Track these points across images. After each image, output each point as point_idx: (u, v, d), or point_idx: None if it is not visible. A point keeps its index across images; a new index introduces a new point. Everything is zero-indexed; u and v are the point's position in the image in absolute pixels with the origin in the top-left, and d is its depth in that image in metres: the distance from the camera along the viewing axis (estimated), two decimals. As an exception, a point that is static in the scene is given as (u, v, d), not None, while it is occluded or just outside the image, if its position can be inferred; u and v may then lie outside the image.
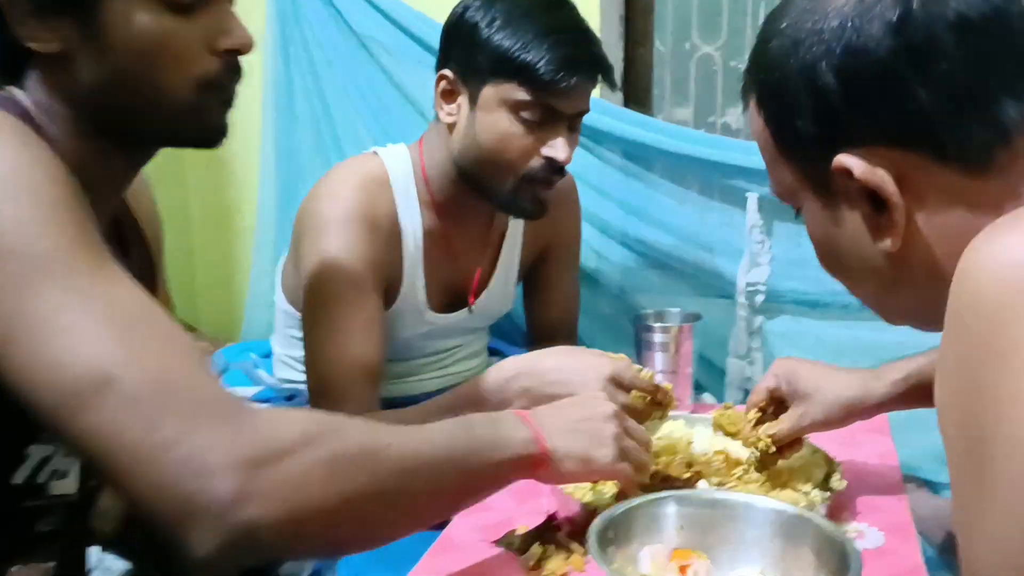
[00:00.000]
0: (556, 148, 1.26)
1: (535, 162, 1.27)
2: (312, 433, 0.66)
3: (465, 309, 1.44)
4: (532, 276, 1.57)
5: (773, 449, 1.03)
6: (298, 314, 1.34)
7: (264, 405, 1.44)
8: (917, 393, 1.02)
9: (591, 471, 0.92)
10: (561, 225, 1.53)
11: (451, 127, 1.30)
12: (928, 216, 0.61)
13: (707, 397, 1.63)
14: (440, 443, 0.76)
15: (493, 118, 1.26)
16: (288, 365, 1.49)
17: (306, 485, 0.63)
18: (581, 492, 1.01)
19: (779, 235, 1.72)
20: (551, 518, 0.98)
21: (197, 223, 2.33)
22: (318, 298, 1.27)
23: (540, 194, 1.30)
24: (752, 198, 1.71)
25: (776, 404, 1.08)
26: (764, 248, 1.71)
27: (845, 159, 0.62)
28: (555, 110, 1.25)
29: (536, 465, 0.86)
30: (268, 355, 1.61)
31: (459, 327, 1.46)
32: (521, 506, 1.06)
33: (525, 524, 0.99)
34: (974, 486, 0.53)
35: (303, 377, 1.31)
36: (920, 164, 0.60)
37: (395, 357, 1.40)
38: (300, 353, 1.33)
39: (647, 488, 1.01)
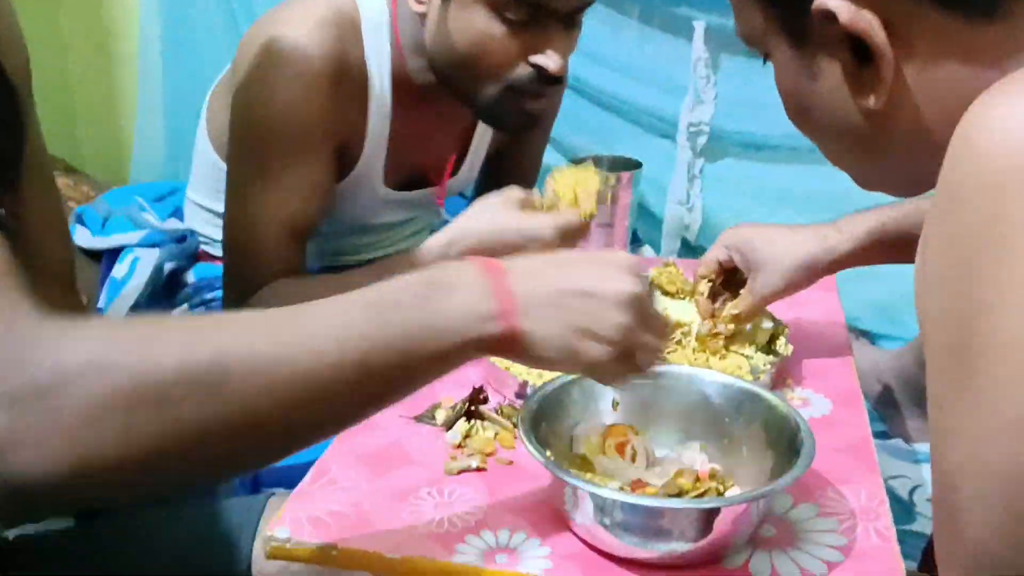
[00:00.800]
0: (546, 56, 1.03)
1: (521, 70, 1.04)
2: (106, 357, 0.52)
3: (423, 190, 1.26)
4: (498, 152, 1.37)
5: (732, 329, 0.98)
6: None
7: (151, 250, 1.31)
8: (880, 248, 0.97)
9: (574, 367, 0.67)
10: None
11: (423, 16, 1.08)
12: (919, 70, 0.54)
13: (647, 251, 1.56)
14: (341, 345, 0.56)
15: (469, 16, 1.02)
16: (212, 223, 1.30)
17: (93, 425, 0.51)
18: (516, 368, 0.91)
19: (727, 70, 1.66)
20: (478, 391, 0.88)
21: (74, 48, 2.15)
22: (254, 145, 1.07)
23: (528, 106, 1.08)
24: (699, 27, 1.62)
25: (726, 274, 1.02)
26: (709, 84, 1.62)
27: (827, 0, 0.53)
28: (547, 7, 1.01)
29: (497, 348, 0.62)
30: (159, 199, 1.46)
31: (414, 203, 1.29)
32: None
33: (449, 397, 0.91)
34: (956, 384, 0.49)
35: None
36: (913, 7, 0.53)
37: (338, 230, 1.24)
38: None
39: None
